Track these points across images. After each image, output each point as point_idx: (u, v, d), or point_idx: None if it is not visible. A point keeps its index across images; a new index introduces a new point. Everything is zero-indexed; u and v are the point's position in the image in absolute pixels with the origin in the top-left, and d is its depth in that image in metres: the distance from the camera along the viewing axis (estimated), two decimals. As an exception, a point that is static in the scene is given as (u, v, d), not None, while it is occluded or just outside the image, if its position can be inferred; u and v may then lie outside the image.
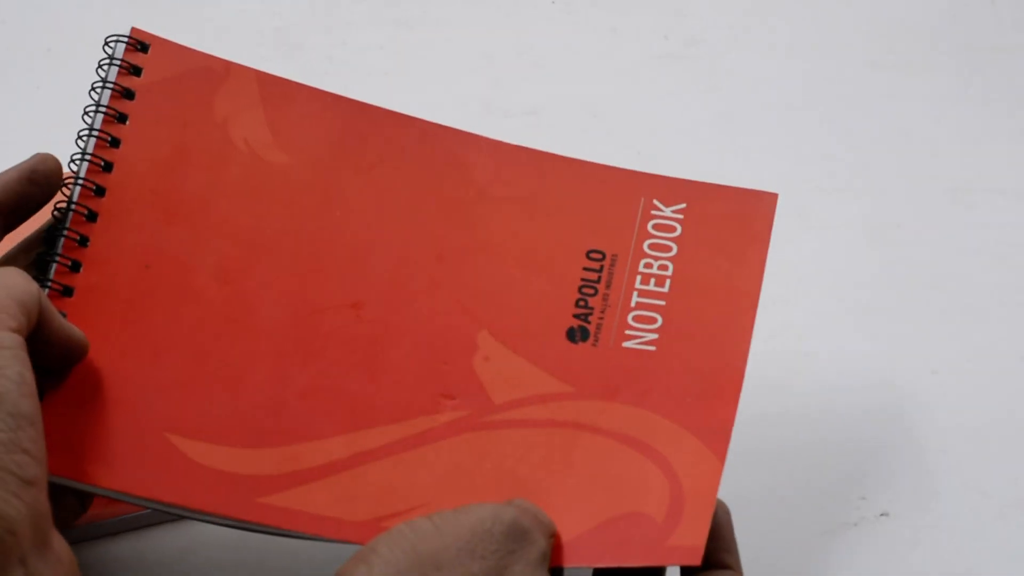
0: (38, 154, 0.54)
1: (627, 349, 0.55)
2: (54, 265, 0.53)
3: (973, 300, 0.72)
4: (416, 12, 0.99)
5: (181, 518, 0.58)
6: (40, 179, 0.53)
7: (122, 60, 0.57)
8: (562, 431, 0.53)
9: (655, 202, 0.59)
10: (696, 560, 0.50)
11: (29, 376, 0.45)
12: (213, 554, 0.58)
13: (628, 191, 0.59)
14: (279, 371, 0.53)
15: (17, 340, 0.45)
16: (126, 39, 0.58)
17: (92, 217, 0.54)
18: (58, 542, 0.45)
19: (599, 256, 0.57)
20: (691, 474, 0.52)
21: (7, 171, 0.53)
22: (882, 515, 0.59)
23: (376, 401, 0.53)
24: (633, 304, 0.56)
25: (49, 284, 0.52)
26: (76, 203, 0.54)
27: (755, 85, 0.91)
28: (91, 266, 0.53)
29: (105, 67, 0.57)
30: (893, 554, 0.57)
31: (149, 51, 0.58)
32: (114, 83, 0.57)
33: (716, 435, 0.53)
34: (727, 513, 0.52)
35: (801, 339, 0.69)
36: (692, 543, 0.50)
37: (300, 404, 0.52)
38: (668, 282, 0.57)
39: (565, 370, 0.55)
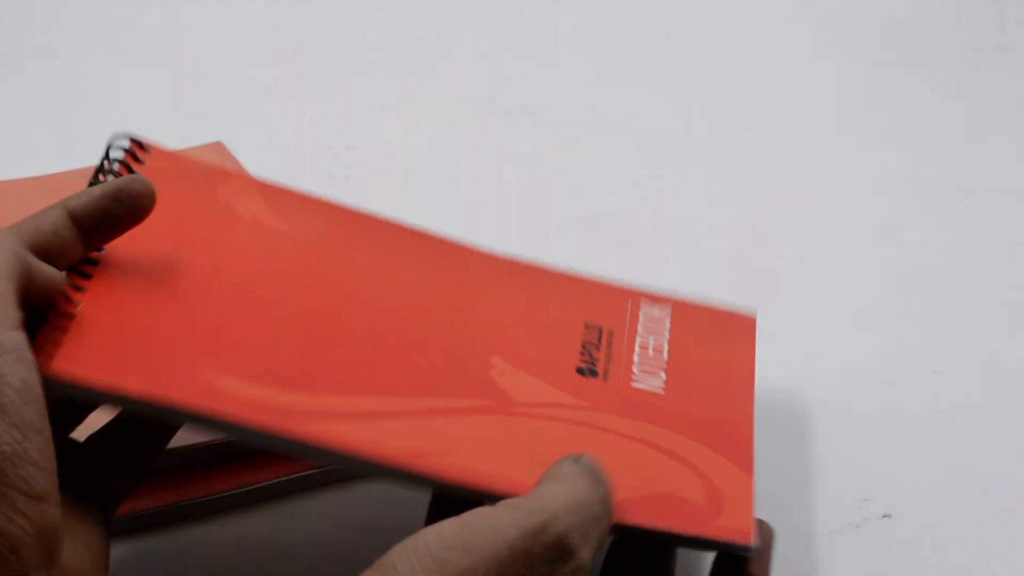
0: (130, 175, 0.52)
1: (637, 388, 0.56)
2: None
3: (975, 300, 0.72)
4: (416, 12, 0.99)
5: (207, 447, 0.58)
6: (125, 198, 0.50)
7: (124, 154, 0.56)
8: (586, 430, 0.53)
9: (642, 303, 0.61)
10: (749, 540, 0.49)
11: (33, 379, 0.43)
12: (214, 555, 0.57)
13: (616, 294, 0.61)
14: (304, 358, 0.52)
15: (19, 340, 0.43)
16: (127, 142, 0.56)
17: (93, 262, 0.52)
18: (71, 554, 0.44)
19: (596, 327, 0.59)
20: (723, 480, 0.52)
21: (95, 187, 0.51)
22: (885, 516, 0.59)
23: (402, 383, 0.53)
24: (635, 362, 0.57)
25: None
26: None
27: (755, 84, 0.91)
28: (98, 282, 0.51)
29: (107, 161, 0.55)
30: (896, 555, 0.57)
31: (149, 152, 0.57)
32: (116, 171, 0.54)
33: (740, 455, 0.54)
34: (771, 535, 0.51)
35: (801, 339, 0.68)
36: (741, 527, 0.50)
37: (329, 373, 0.52)
38: (666, 352, 0.58)
39: (579, 392, 0.55)
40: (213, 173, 0.59)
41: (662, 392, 0.56)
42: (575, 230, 0.77)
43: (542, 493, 0.45)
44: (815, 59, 0.93)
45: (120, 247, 0.52)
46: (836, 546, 0.57)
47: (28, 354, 0.44)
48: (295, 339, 0.53)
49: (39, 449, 0.42)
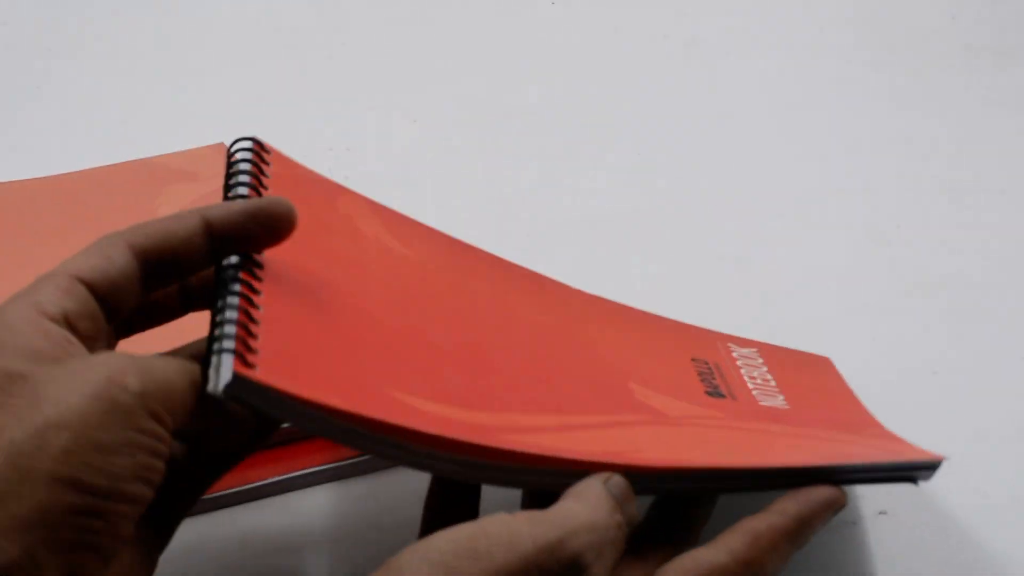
0: (273, 197, 0.48)
1: (766, 406, 0.58)
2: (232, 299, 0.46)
3: (973, 300, 0.72)
4: (416, 12, 0.99)
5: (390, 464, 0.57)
6: (263, 218, 0.47)
7: (251, 155, 0.53)
8: (745, 433, 0.55)
9: (730, 345, 0.63)
10: (940, 457, 0.54)
11: (156, 466, 0.41)
12: (216, 551, 0.58)
13: (706, 335, 0.63)
14: (472, 379, 0.50)
15: (157, 432, 0.41)
16: (250, 144, 0.53)
17: (259, 264, 0.49)
18: None
19: (703, 362, 0.60)
20: (882, 442, 0.56)
21: (236, 201, 0.48)
22: (881, 514, 0.59)
23: (565, 403, 0.52)
24: (751, 388, 0.59)
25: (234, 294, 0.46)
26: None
27: (755, 85, 0.91)
28: (268, 292, 0.48)
29: (234, 166, 0.52)
30: (892, 553, 0.57)
31: (271, 155, 0.54)
32: (248, 170, 0.51)
33: (885, 435, 0.58)
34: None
35: (801, 339, 0.69)
36: (925, 454, 0.55)
37: (500, 393, 0.50)
38: (773, 382, 0.61)
39: (720, 408, 0.56)
40: (329, 185, 0.57)
41: (788, 408, 0.58)
42: (575, 230, 0.77)
43: (562, 509, 0.44)
44: (812, 60, 0.93)
45: (273, 255, 0.49)
46: (832, 543, 0.57)
47: (161, 445, 0.41)
48: (457, 361, 0.51)
49: (116, 518, 0.40)
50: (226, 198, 0.50)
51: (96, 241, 0.46)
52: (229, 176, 0.51)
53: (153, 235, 0.46)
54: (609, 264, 0.74)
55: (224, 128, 0.83)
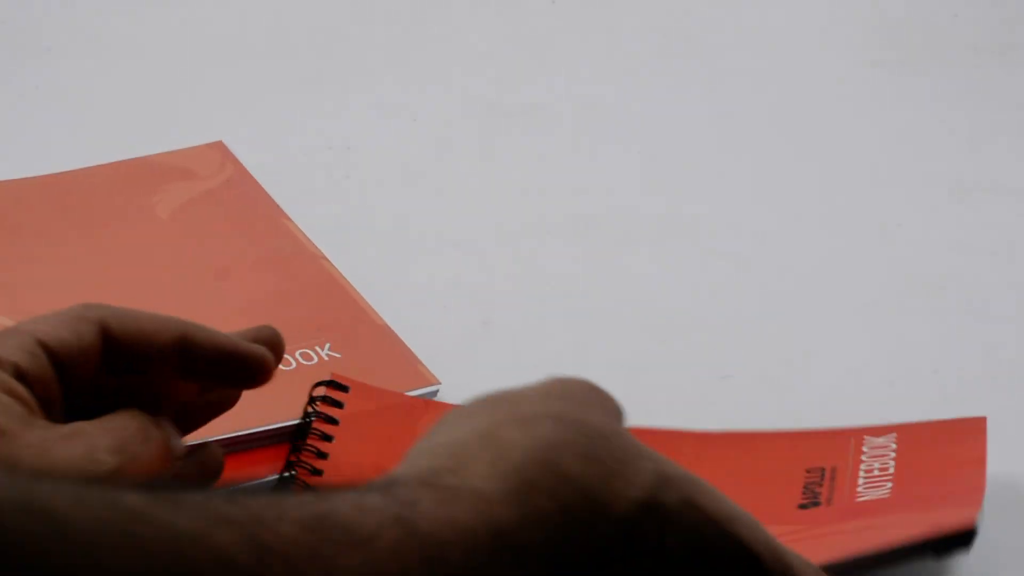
0: (258, 348, 0.50)
1: (861, 501, 0.58)
2: None
3: (974, 300, 0.72)
4: (416, 11, 0.99)
5: None
6: (239, 358, 0.50)
7: (324, 395, 0.59)
8: (806, 536, 0.55)
9: (865, 438, 0.61)
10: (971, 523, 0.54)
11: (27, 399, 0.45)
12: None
13: (836, 437, 0.61)
14: None
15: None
16: (327, 383, 0.59)
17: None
18: None
19: (819, 469, 0.59)
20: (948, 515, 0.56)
21: (222, 335, 0.50)
22: (883, 515, 0.59)
23: None
24: (860, 483, 0.59)
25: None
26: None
27: (755, 85, 0.91)
28: None
29: (311, 404, 0.59)
30: (894, 554, 0.57)
31: (349, 392, 0.59)
32: (319, 412, 0.58)
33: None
34: None
35: (801, 339, 0.68)
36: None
37: None
38: (892, 468, 0.59)
39: (801, 521, 0.57)
40: (416, 406, 0.60)
41: (887, 496, 0.57)
42: (575, 230, 0.77)
43: None
44: (814, 59, 0.93)
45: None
46: (834, 545, 0.57)
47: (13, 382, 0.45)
48: None
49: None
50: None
51: (71, 309, 0.48)
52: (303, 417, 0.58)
53: (129, 330, 0.48)
54: (610, 264, 0.74)
55: (222, 126, 0.82)
